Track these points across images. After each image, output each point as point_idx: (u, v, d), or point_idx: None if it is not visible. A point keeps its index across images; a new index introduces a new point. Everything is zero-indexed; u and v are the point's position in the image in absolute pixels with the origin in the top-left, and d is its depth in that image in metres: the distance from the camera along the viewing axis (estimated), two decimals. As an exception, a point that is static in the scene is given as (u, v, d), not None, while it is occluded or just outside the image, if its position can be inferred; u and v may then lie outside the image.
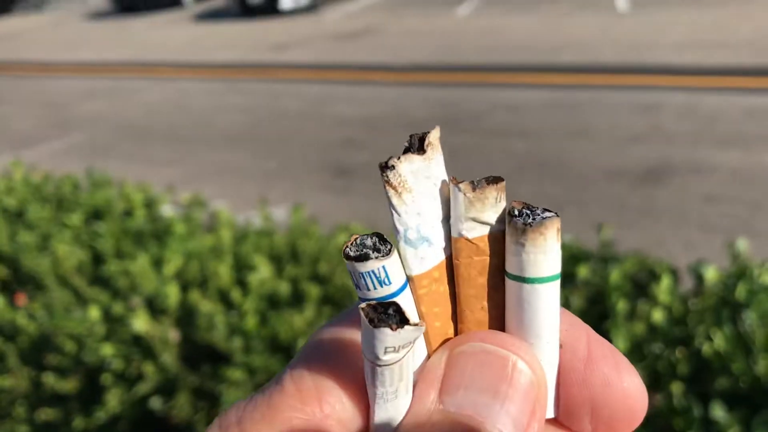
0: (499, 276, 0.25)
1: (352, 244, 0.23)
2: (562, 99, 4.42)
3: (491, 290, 0.25)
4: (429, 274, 0.24)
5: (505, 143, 3.86)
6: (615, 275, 1.44)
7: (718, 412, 1.18)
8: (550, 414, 0.26)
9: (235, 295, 1.71)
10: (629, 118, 3.97)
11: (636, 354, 1.33)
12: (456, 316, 0.26)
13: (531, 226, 0.23)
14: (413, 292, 0.24)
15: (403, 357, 0.22)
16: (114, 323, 1.76)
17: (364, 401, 0.24)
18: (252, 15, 10.32)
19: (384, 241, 0.23)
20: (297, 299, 1.67)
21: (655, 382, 1.31)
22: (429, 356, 0.25)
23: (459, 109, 4.49)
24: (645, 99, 4.21)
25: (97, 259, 2.07)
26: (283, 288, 1.69)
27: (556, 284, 0.24)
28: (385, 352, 0.21)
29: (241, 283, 1.79)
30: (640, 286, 1.54)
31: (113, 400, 1.66)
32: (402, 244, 0.24)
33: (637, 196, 3.14)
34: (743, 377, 1.25)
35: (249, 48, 7.47)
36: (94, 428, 1.69)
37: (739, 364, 1.25)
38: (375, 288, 0.22)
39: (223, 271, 1.77)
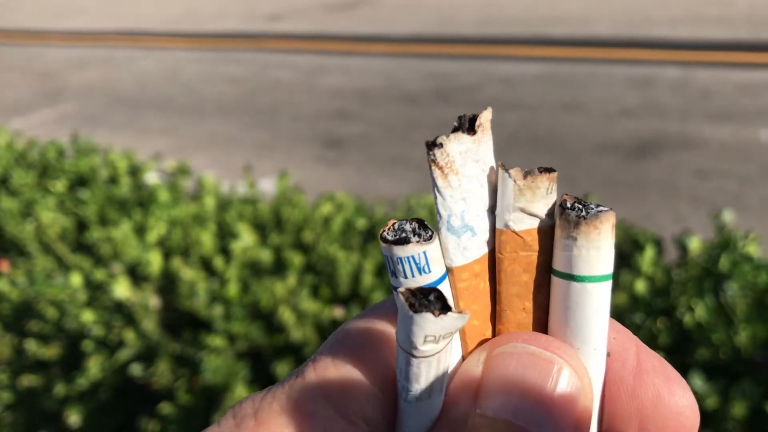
0: (544, 275, 0.23)
1: (389, 229, 0.21)
2: (556, 72, 4.39)
3: (536, 290, 0.23)
4: (470, 267, 0.23)
5: (497, 116, 3.83)
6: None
7: (697, 382, 1.18)
8: (594, 429, 0.24)
9: (218, 262, 1.70)
10: (622, 92, 3.94)
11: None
12: (495, 316, 0.24)
13: (585, 219, 0.21)
14: (452, 285, 0.23)
15: (442, 350, 0.20)
16: (95, 290, 1.75)
17: (393, 399, 0.22)
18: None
19: (425, 227, 0.21)
20: (279, 267, 1.66)
21: (635, 352, 1.31)
22: (464, 357, 0.23)
23: (452, 81, 4.45)
24: (639, 73, 4.18)
25: (81, 226, 2.06)
26: (266, 256, 1.67)
27: (608, 285, 0.22)
28: (425, 342, 0.20)
29: (224, 251, 1.78)
30: (624, 257, 1.53)
31: (94, 366, 1.65)
32: (444, 230, 0.22)
33: (627, 170, 3.13)
34: (723, 348, 1.25)
35: (243, 17, 7.38)
36: (76, 395, 1.68)
37: (719, 335, 1.24)
38: (413, 276, 0.21)
39: (206, 239, 1.76)
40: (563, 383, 0.22)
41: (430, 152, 0.22)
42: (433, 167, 0.22)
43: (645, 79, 4.08)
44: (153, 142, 3.87)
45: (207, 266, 1.75)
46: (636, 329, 1.32)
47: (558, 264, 0.22)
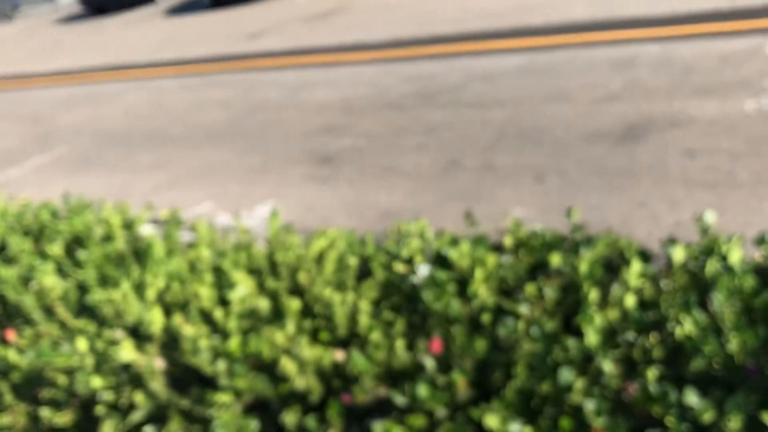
0: None
1: None
2: (537, 62, 4.39)
3: None
4: None
5: (482, 114, 3.84)
6: (584, 265, 1.45)
7: (692, 398, 1.20)
8: None
9: (218, 314, 1.73)
10: (605, 75, 3.94)
11: (610, 343, 1.35)
12: None
13: None
14: None
15: None
16: (101, 355, 1.78)
17: None
18: (223, 4, 10.20)
19: None
20: (277, 314, 1.68)
21: (630, 370, 1.33)
22: None
23: (436, 83, 4.46)
24: (620, 54, 4.18)
25: (82, 288, 2.09)
26: (264, 304, 1.70)
27: None
28: None
29: (223, 302, 1.81)
30: (614, 270, 1.55)
31: (109, 430, 1.68)
32: None
33: (617, 157, 3.13)
34: (716, 358, 1.27)
35: (222, 39, 7.39)
36: (94, 459, 1.72)
37: (710, 346, 1.26)
38: None
39: (204, 292, 1.79)
40: None
41: None
42: None
43: (627, 59, 4.08)
44: (147, 177, 3.90)
45: (207, 318, 1.78)
46: (629, 346, 1.34)
47: None
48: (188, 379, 1.71)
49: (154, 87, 6.01)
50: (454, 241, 1.78)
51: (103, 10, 13.07)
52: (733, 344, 1.27)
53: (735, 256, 1.37)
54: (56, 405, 1.85)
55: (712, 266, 1.37)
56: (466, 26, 5.50)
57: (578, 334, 1.42)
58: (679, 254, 1.42)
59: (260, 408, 1.60)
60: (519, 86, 4.08)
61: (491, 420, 1.28)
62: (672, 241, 1.50)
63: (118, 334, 1.73)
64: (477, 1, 6.31)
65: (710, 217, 1.51)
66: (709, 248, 1.42)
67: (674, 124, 3.26)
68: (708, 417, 1.18)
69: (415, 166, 3.48)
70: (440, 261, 1.71)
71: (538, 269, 1.61)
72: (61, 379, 1.79)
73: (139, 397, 1.65)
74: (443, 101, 4.14)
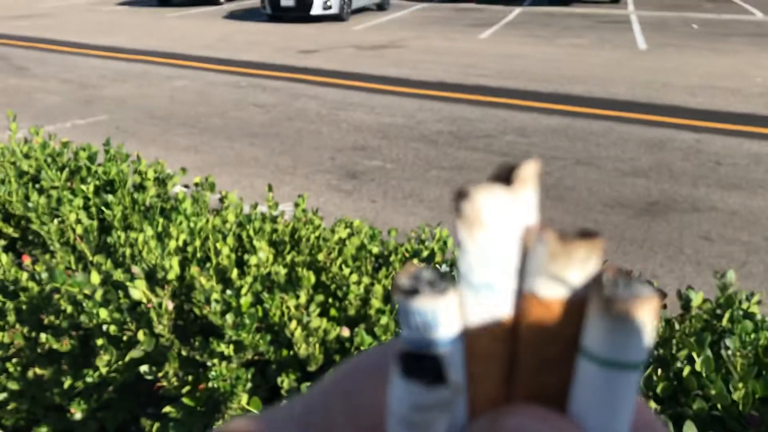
0: (570, 349, 0.21)
1: (406, 274, 0.20)
2: (572, 126, 4.48)
3: (557, 364, 0.21)
4: (488, 328, 0.21)
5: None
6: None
7: (692, 431, 1.21)
8: None
9: (234, 274, 1.76)
10: (635, 152, 4.02)
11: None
12: (511, 383, 0.22)
13: (619, 298, 0.19)
14: (466, 345, 0.20)
15: (433, 420, 0.19)
16: (113, 289, 1.81)
17: None
18: (282, 18, 10.45)
19: (443, 278, 0.20)
20: (292, 284, 1.71)
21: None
22: (470, 420, 0.22)
23: (471, 127, 4.55)
24: (653, 135, 4.26)
25: (105, 229, 2.12)
26: (280, 272, 1.73)
27: (636, 374, 0.20)
28: (413, 410, 0.19)
29: (240, 265, 1.83)
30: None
31: (104, 362, 1.70)
32: (463, 284, 0.20)
33: (635, 227, 3.18)
34: (720, 401, 1.28)
35: (275, 50, 7.56)
36: (84, 389, 1.73)
37: (717, 389, 1.28)
38: (420, 330, 0.19)
39: (225, 251, 1.82)
40: None
41: (457, 203, 0.20)
42: (459, 219, 0.20)
43: (659, 141, 4.16)
44: (179, 157, 3.96)
45: (223, 277, 1.80)
46: (633, 374, 1.36)
47: (586, 342, 0.20)
48: (192, 329, 1.73)
49: (201, 78, 6.13)
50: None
51: (167, 1, 13.34)
52: (740, 391, 1.29)
53: (755, 311, 1.40)
54: (57, 332, 1.86)
55: (728, 315, 1.39)
56: (510, 83, 5.63)
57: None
58: (698, 300, 1.45)
59: (258, 367, 1.62)
60: (551, 145, 4.16)
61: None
62: (690, 288, 1.53)
63: (135, 269, 1.76)
64: (526, 65, 6.46)
65: (731, 276, 1.54)
66: (729, 302, 1.45)
67: (696, 209, 3.31)
68: (702, 450, 1.20)
69: (437, 198, 3.53)
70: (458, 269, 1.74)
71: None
72: (68, 308, 1.82)
73: (141, 335, 1.67)
74: (475, 145, 4.22)
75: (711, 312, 1.47)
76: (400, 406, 0.19)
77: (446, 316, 0.19)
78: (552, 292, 0.20)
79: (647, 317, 0.19)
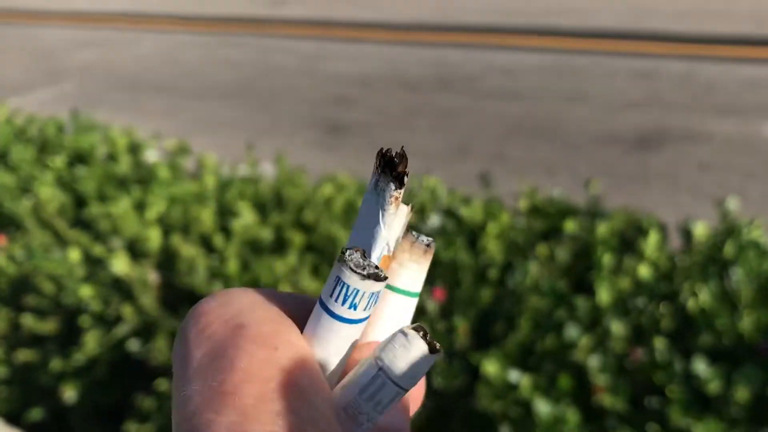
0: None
1: (349, 254, 0.22)
2: (559, 63, 4.37)
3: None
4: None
5: (498, 106, 3.81)
6: (602, 229, 1.41)
7: (700, 366, 1.17)
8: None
9: (217, 240, 1.68)
10: (626, 84, 3.92)
11: (620, 308, 1.32)
12: None
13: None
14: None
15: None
16: (94, 265, 1.74)
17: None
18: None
19: (366, 257, 0.23)
20: (280, 246, 1.64)
21: (638, 337, 1.29)
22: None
23: (454, 70, 4.43)
24: (643, 66, 4.16)
25: (80, 202, 2.04)
26: (266, 234, 1.66)
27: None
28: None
29: (224, 229, 1.76)
30: (628, 242, 1.52)
31: (91, 342, 1.64)
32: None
33: (629, 161, 3.12)
34: (727, 333, 1.24)
35: (244, 1, 7.33)
36: (72, 370, 1.67)
37: (723, 321, 1.23)
38: (352, 309, 0.22)
39: (206, 217, 1.75)
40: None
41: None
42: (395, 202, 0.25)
43: (649, 71, 4.07)
44: (152, 123, 3.84)
45: (206, 244, 1.73)
46: (639, 313, 1.31)
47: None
48: (180, 300, 1.66)
49: (168, 39, 5.95)
50: (466, 200, 1.74)
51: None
52: (746, 322, 1.24)
53: (756, 236, 1.35)
54: (40, 313, 1.80)
55: (731, 245, 1.34)
56: (492, 19, 5.48)
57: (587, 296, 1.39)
58: (700, 230, 1.39)
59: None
60: (538, 83, 4.05)
61: (490, 366, 1.24)
62: (693, 220, 1.47)
63: (115, 243, 1.69)
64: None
65: (733, 203, 1.49)
66: (730, 230, 1.39)
67: (690, 138, 3.25)
68: (714, 387, 1.15)
69: (425, 148, 3.45)
70: (451, 217, 1.67)
71: (551, 234, 1.58)
72: (48, 287, 1.74)
73: (127, 311, 1.61)
74: (460, 89, 4.11)
75: (713, 243, 1.42)
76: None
77: (365, 303, 0.23)
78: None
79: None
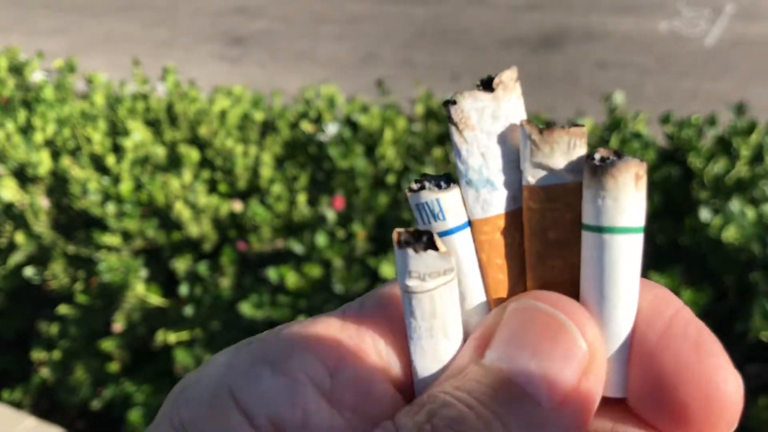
0: (574, 232, 0.22)
1: (416, 180, 0.22)
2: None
3: (565, 247, 0.22)
4: (493, 221, 0.23)
5: (404, 10, 3.76)
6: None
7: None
8: (617, 392, 0.23)
9: (110, 160, 1.63)
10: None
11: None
12: (525, 275, 0.23)
13: (603, 168, 0.20)
14: (474, 237, 0.23)
15: (434, 289, 0.21)
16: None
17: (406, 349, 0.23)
18: None
19: (448, 180, 0.22)
20: (174, 163, 1.61)
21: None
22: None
23: (359, -25, 4.32)
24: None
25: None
26: (160, 152, 1.62)
27: (633, 238, 0.21)
28: (410, 277, 0.21)
29: (116, 149, 1.71)
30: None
31: (-15, 271, 1.59)
32: (463, 183, 0.22)
33: (532, 62, 3.15)
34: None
35: None
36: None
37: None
38: (429, 222, 0.22)
39: (97, 137, 1.68)
40: (563, 339, 0.21)
41: (446, 108, 0.22)
42: (450, 124, 0.22)
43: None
44: (42, 42, 3.61)
45: (99, 165, 1.68)
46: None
47: (584, 216, 0.21)
48: (74, 224, 1.62)
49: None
50: (365, 108, 1.74)
51: None
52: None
53: (641, 129, 1.40)
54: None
55: (616, 138, 1.39)
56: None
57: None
58: (588, 125, 1.44)
59: (150, 254, 1.54)
60: (441, -13, 4.01)
61: (388, 269, 1.28)
62: (581, 115, 1.51)
63: (1, 170, 1.62)
64: None
65: (619, 97, 1.53)
66: (615, 123, 1.44)
67: (590, 37, 3.30)
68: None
69: (331, 55, 3.39)
70: (349, 125, 1.67)
71: (447, 138, 1.60)
72: (-67, 218, 1.67)
73: (20, 238, 1.56)
74: (365, -7, 4.02)
75: (600, 136, 1.47)
76: (402, 275, 0.21)
77: (449, 207, 0.22)
78: (545, 180, 0.21)
79: (625, 182, 0.20)
